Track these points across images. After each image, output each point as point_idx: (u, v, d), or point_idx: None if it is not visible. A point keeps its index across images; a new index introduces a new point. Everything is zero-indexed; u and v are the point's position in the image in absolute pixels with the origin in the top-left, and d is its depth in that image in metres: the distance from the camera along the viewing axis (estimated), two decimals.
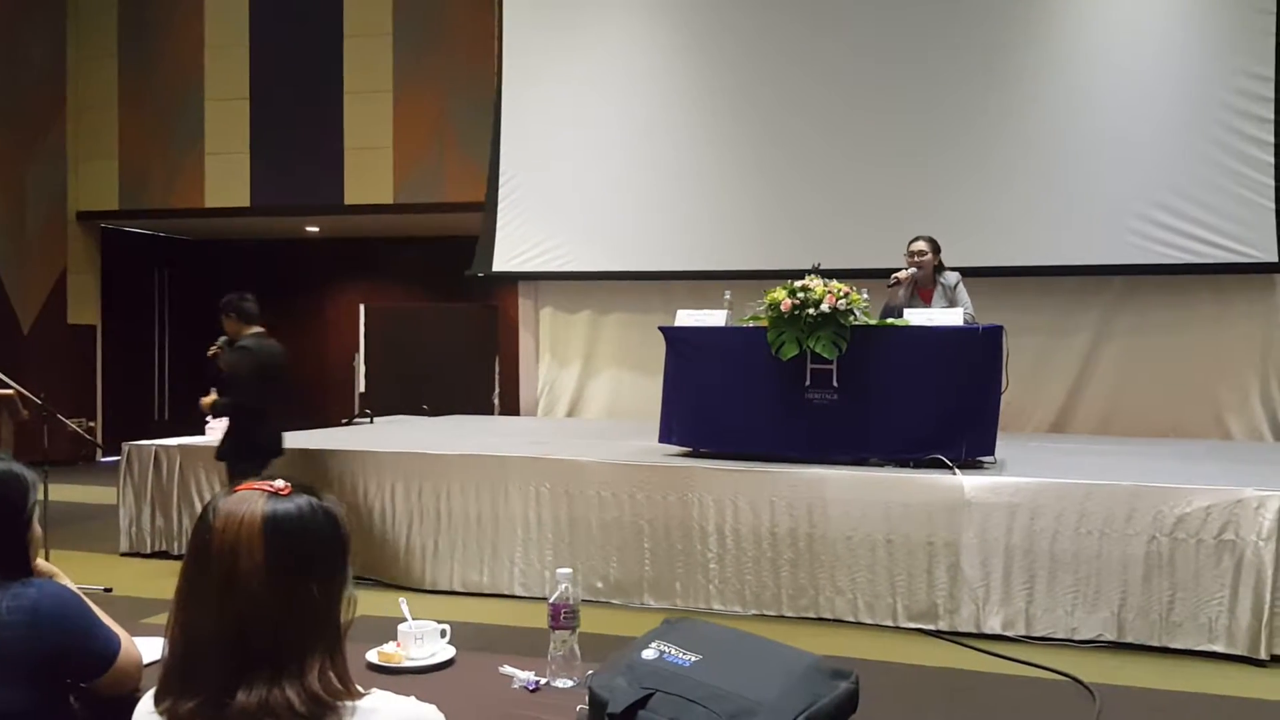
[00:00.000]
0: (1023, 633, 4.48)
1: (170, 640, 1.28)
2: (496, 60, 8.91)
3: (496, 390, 10.04)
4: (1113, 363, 7.53)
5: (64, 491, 7.79)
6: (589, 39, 8.56)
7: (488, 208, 8.81)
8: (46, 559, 2.04)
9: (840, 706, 1.78)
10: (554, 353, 8.90)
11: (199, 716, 1.24)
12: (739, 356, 5.26)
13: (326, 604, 1.29)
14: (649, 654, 1.82)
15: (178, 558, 5.94)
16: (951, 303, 5.61)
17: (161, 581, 5.34)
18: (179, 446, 6.07)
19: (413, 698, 1.34)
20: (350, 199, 10.14)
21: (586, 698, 1.80)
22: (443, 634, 2.24)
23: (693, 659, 1.79)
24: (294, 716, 1.23)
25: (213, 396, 5.43)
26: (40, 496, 1.90)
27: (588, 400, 8.79)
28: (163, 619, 1.31)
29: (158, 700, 1.28)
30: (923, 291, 5.79)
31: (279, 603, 1.25)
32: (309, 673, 1.25)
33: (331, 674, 1.27)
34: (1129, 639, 4.34)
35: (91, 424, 10.52)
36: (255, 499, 1.30)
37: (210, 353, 5.52)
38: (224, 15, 10.42)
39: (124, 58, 10.78)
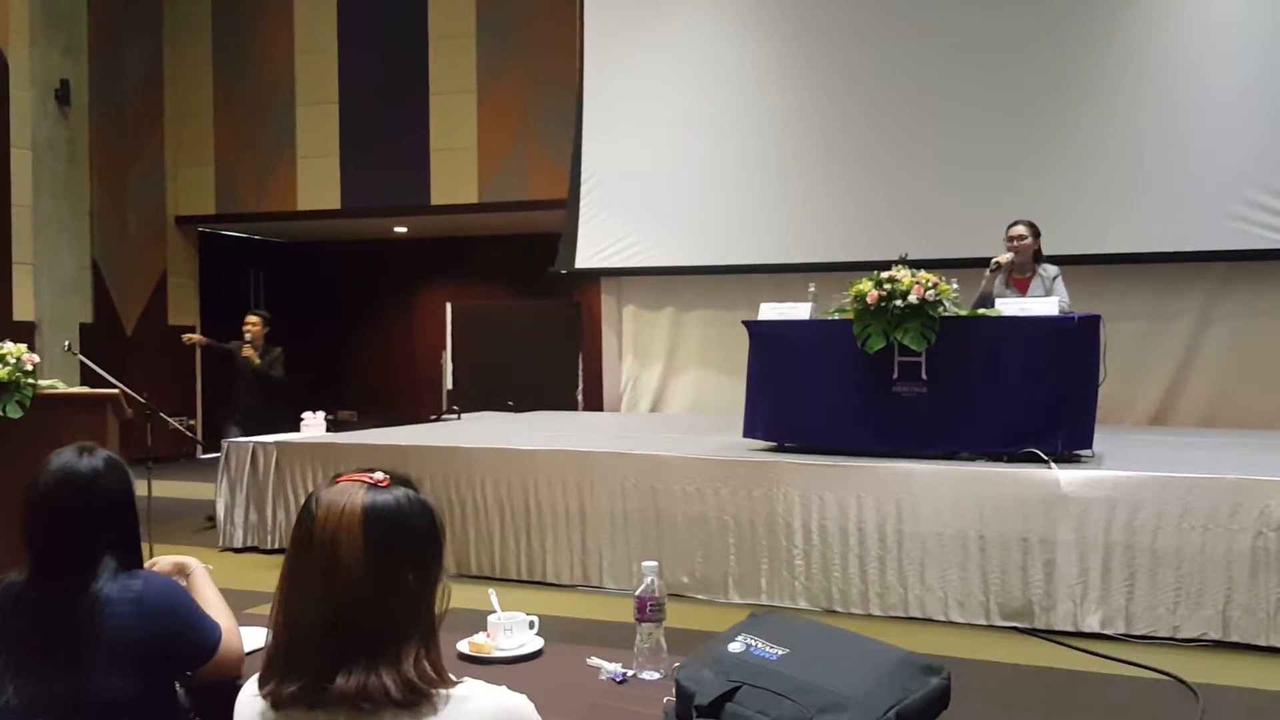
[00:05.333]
0: (1122, 631, 4.34)
1: (274, 626, 1.32)
2: (578, 58, 8.96)
3: (580, 386, 10.09)
4: (1215, 353, 7.25)
5: (166, 487, 8.07)
6: (669, 35, 8.54)
7: (570, 205, 8.87)
8: (150, 553, 2.11)
9: (931, 703, 1.74)
10: (637, 349, 8.92)
11: (300, 700, 1.28)
12: (824, 349, 5.18)
13: (422, 593, 1.32)
14: (736, 647, 1.81)
15: (273, 552, 6.13)
16: (1048, 293, 5.44)
17: (258, 574, 5.53)
18: (275, 443, 6.23)
19: (504, 687, 1.36)
20: (436, 199, 10.32)
21: (673, 690, 1.80)
22: (531, 625, 2.26)
23: (780, 653, 1.77)
24: (390, 702, 1.26)
25: None
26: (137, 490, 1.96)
27: (671, 396, 8.79)
28: (261, 610, 1.34)
29: (261, 684, 1.33)
30: (1018, 280, 5.63)
31: (377, 591, 1.29)
32: (405, 660, 1.28)
33: (426, 662, 1.30)
34: (1234, 638, 4.18)
35: (192, 422, 10.86)
36: (356, 490, 1.33)
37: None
38: (313, 22, 10.70)
39: (218, 66, 11.13)
